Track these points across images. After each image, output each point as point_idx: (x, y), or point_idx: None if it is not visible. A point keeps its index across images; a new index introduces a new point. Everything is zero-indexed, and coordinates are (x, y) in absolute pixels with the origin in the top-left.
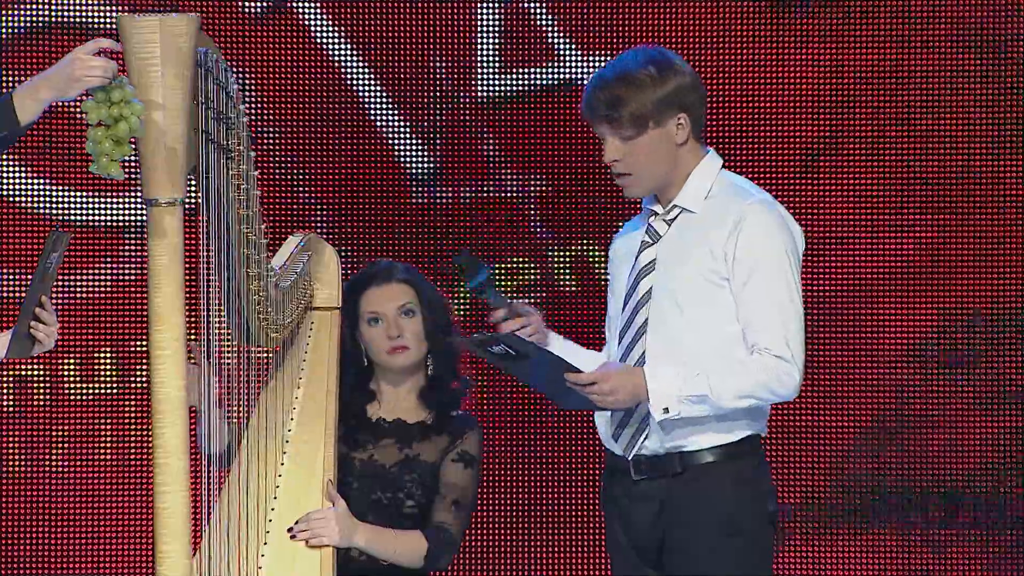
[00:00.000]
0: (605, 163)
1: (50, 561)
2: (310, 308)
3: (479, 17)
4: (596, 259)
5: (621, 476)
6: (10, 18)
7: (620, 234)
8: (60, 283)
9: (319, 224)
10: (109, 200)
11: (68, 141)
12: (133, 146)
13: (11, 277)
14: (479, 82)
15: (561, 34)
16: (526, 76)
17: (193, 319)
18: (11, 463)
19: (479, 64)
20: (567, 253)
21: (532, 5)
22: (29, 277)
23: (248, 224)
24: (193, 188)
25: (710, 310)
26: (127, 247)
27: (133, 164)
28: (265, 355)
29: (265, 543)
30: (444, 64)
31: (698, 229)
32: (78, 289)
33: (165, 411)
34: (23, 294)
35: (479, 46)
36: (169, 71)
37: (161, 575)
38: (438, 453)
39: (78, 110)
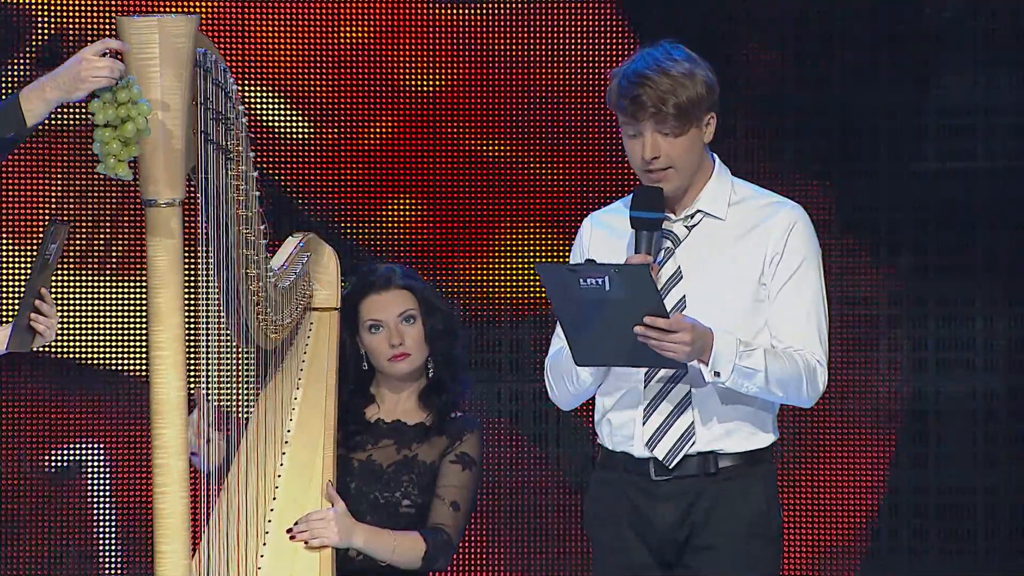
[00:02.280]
0: (645, 159)
1: (50, 561)
2: (309, 308)
3: (481, 18)
4: None
5: (637, 477)
6: (12, 20)
7: (603, 219)
8: (58, 278)
9: (319, 225)
10: (110, 200)
11: (75, 140)
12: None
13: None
14: (477, 79)
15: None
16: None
17: (192, 319)
18: (10, 463)
19: (479, 62)
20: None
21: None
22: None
23: (247, 225)
24: (192, 189)
25: (753, 316)
26: (126, 247)
27: (132, 164)
28: (264, 355)
29: (264, 543)
30: (443, 61)
31: (729, 235)
32: (78, 288)
33: (164, 412)
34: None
35: (482, 47)
36: (168, 72)
37: (161, 575)
38: (437, 454)
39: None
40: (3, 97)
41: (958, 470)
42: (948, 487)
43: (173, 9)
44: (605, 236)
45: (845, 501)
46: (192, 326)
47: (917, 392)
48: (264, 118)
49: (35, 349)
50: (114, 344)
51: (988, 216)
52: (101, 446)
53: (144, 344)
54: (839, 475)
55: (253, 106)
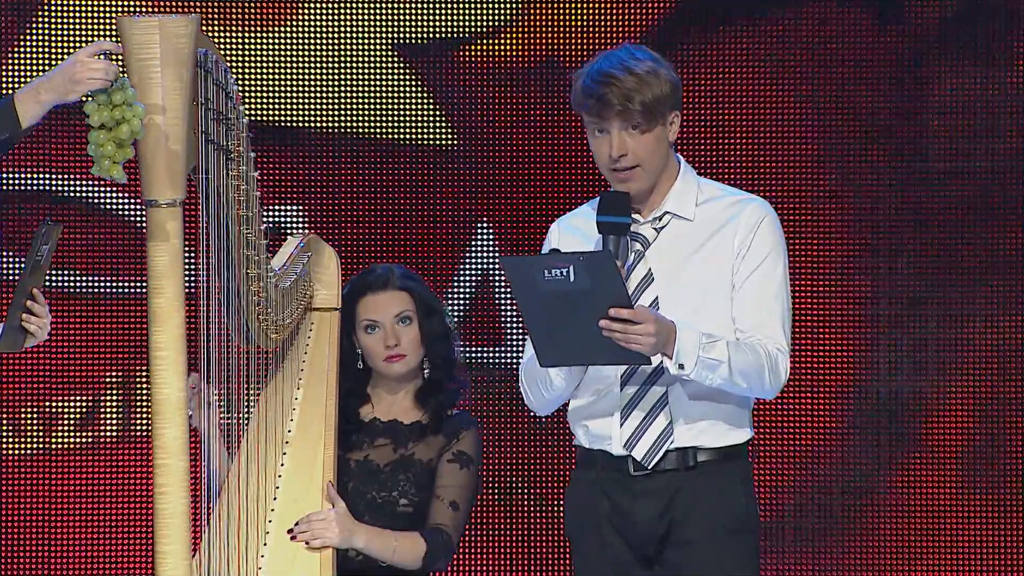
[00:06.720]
0: (612, 156)
1: (50, 561)
2: (310, 309)
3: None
4: None
5: (616, 474)
6: (12, 20)
7: (571, 223)
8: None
9: (319, 225)
10: (109, 200)
11: (71, 142)
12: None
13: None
14: (474, 75)
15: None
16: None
17: (193, 320)
18: (10, 463)
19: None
20: None
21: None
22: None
23: (248, 225)
24: (193, 189)
25: (726, 313)
26: (126, 247)
27: (133, 164)
28: (265, 356)
29: (264, 543)
30: (441, 56)
31: (698, 235)
32: (77, 287)
33: (164, 412)
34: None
35: (481, 43)
36: (169, 72)
37: (161, 575)
38: (434, 453)
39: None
40: (1, 98)
41: (947, 469)
42: (943, 486)
43: (174, 9)
44: (574, 240)
45: (842, 499)
46: (192, 326)
47: (915, 391)
48: (264, 118)
49: (26, 348)
50: (110, 343)
51: (988, 216)
52: (99, 444)
53: (144, 344)
54: (833, 474)
55: (253, 105)
